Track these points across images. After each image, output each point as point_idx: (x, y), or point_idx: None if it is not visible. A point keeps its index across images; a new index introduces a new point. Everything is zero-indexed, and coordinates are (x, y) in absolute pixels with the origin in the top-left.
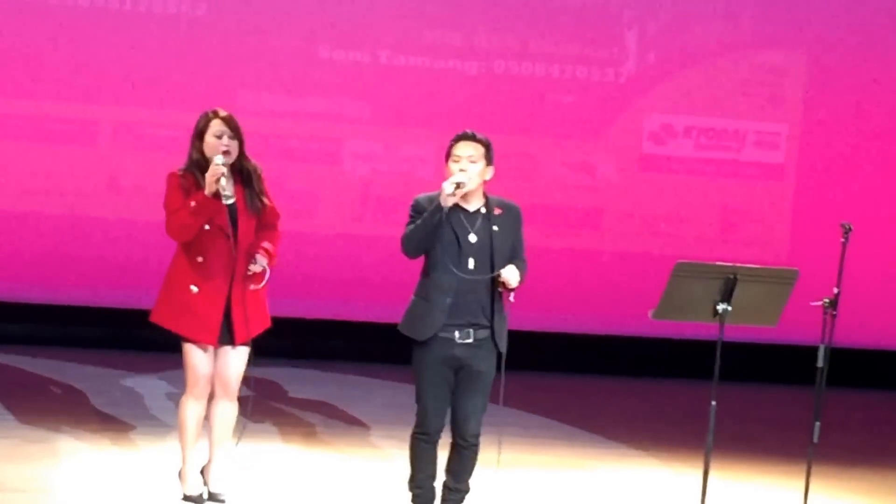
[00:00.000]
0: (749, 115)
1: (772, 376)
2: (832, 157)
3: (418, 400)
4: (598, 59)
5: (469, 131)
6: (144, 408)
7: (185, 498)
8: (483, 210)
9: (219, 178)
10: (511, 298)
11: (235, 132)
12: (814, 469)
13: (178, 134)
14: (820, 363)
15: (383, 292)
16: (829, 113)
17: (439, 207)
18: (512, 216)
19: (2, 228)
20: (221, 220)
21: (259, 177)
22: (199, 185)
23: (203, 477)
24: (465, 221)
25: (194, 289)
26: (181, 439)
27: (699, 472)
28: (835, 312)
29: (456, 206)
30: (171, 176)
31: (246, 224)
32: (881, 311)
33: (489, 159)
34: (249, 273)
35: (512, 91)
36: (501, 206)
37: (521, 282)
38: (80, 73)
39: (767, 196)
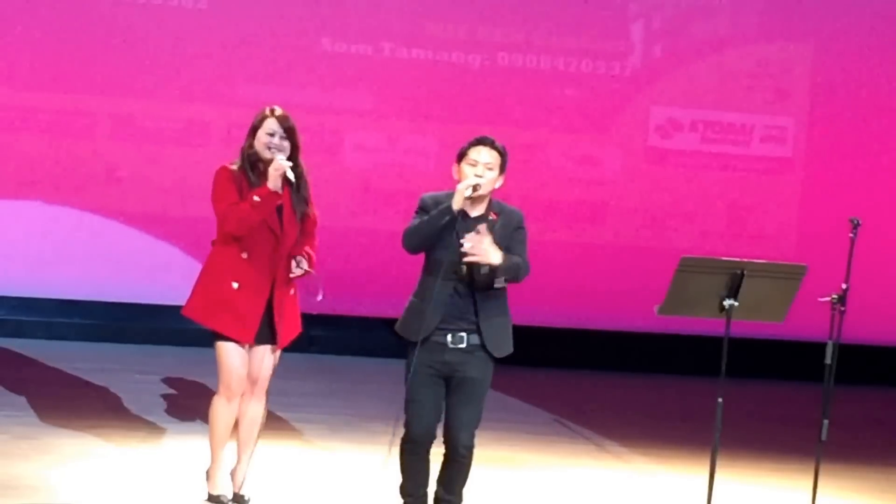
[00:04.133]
0: (756, 109)
1: (779, 373)
2: (840, 151)
3: (406, 406)
4: (604, 52)
5: (489, 137)
6: (155, 404)
7: (210, 498)
8: (483, 216)
9: (283, 172)
10: (500, 284)
11: (288, 133)
12: (822, 467)
13: (179, 126)
14: (828, 360)
15: (384, 286)
16: (837, 106)
17: (449, 209)
18: (508, 221)
19: None
20: (272, 220)
21: (307, 184)
22: (249, 181)
23: (232, 478)
24: (464, 226)
25: (235, 285)
26: (211, 439)
27: (705, 470)
28: (843, 308)
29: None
30: (223, 169)
31: (290, 227)
32: (890, 307)
33: (503, 168)
34: (292, 276)
35: (516, 84)
36: (500, 211)
37: (508, 272)
38: (79, 64)
39: (774, 190)
